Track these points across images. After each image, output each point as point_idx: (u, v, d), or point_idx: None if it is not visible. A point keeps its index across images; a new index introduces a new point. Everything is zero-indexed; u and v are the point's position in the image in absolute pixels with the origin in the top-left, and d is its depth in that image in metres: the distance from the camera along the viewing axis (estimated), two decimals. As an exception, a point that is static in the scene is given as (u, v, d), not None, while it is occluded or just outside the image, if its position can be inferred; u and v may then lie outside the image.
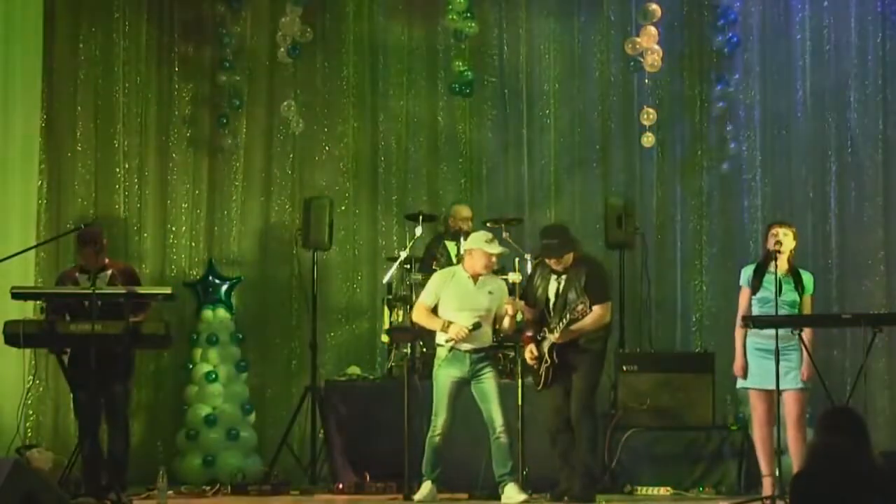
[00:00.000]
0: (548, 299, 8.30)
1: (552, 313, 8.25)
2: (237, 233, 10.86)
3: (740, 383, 8.29)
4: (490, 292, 8.43)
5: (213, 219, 10.84)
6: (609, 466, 9.11)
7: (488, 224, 9.95)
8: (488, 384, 8.36)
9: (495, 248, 8.41)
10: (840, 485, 4.96)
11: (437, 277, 8.61)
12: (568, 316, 8.10)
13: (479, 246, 8.41)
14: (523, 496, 8.23)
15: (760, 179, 10.70)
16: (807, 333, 7.95)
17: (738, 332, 8.24)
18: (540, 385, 8.29)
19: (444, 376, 8.39)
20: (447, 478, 8.52)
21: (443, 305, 8.45)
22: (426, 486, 8.39)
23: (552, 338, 8.17)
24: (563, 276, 8.26)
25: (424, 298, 8.54)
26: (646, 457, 9.20)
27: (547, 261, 8.35)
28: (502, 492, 8.31)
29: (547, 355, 8.21)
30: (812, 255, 10.22)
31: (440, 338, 8.44)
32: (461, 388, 8.40)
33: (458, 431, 8.44)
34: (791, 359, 8.00)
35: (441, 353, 8.42)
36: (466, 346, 8.33)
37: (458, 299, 8.40)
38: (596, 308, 8.20)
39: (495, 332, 8.55)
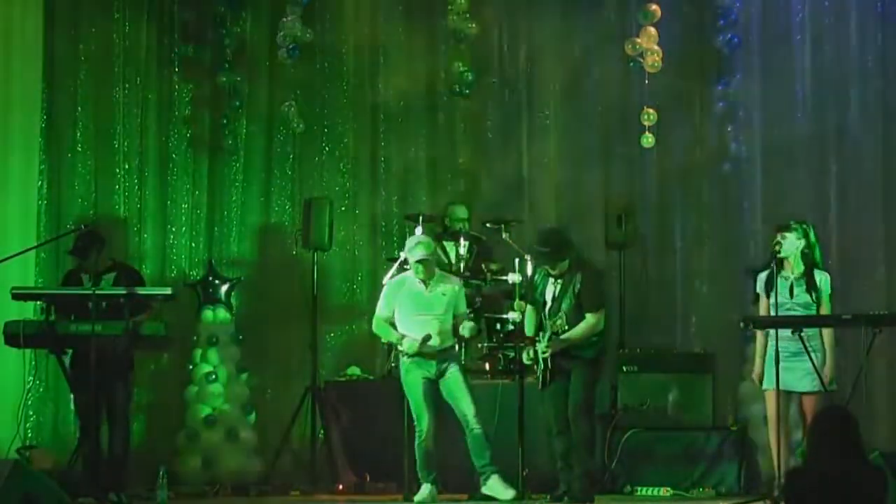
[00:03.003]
0: (545, 302, 8.30)
1: (547, 316, 8.24)
2: (237, 233, 10.87)
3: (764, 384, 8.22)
4: (443, 293, 8.45)
5: (213, 219, 10.84)
6: (609, 467, 9.11)
7: (488, 224, 9.94)
8: (454, 379, 8.39)
9: (414, 255, 8.38)
10: (833, 484, 4.97)
11: (388, 288, 8.63)
12: (550, 328, 8.10)
13: (406, 254, 8.47)
14: (512, 491, 8.24)
15: (760, 179, 10.69)
16: (827, 336, 7.93)
17: (759, 339, 8.20)
18: (541, 386, 8.29)
19: (414, 378, 8.42)
20: (447, 478, 8.52)
21: (398, 313, 8.49)
22: (425, 488, 8.39)
23: (541, 349, 8.16)
24: (560, 281, 8.25)
25: (380, 310, 8.58)
26: (646, 457, 9.20)
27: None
28: (484, 484, 8.31)
29: (541, 359, 8.20)
30: (812, 255, 10.21)
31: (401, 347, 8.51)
32: (433, 387, 8.43)
33: (456, 433, 8.43)
34: (809, 361, 7.93)
35: (405, 358, 8.46)
36: (430, 351, 8.35)
37: (411, 305, 8.44)
38: (588, 317, 8.14)
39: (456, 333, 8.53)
